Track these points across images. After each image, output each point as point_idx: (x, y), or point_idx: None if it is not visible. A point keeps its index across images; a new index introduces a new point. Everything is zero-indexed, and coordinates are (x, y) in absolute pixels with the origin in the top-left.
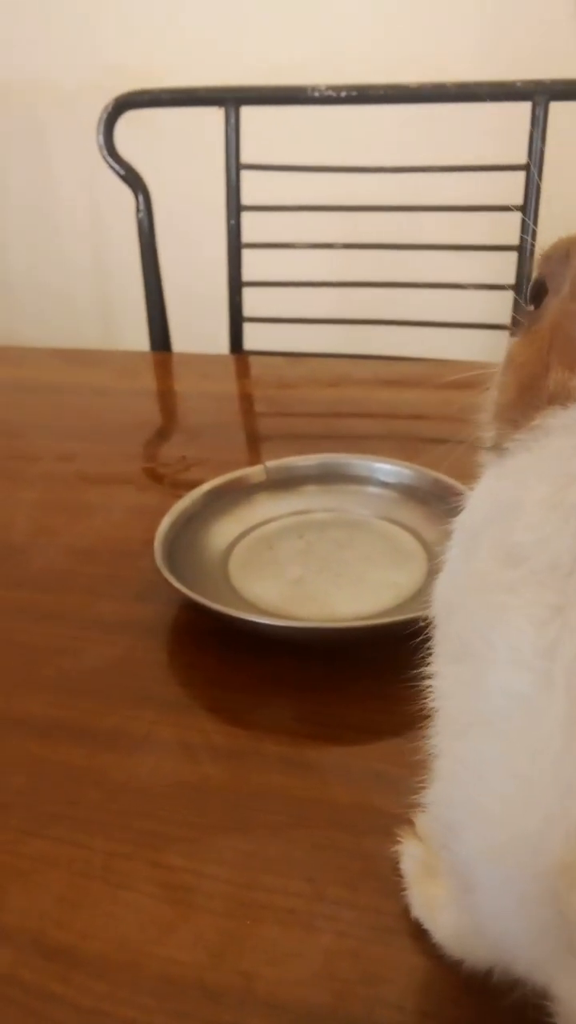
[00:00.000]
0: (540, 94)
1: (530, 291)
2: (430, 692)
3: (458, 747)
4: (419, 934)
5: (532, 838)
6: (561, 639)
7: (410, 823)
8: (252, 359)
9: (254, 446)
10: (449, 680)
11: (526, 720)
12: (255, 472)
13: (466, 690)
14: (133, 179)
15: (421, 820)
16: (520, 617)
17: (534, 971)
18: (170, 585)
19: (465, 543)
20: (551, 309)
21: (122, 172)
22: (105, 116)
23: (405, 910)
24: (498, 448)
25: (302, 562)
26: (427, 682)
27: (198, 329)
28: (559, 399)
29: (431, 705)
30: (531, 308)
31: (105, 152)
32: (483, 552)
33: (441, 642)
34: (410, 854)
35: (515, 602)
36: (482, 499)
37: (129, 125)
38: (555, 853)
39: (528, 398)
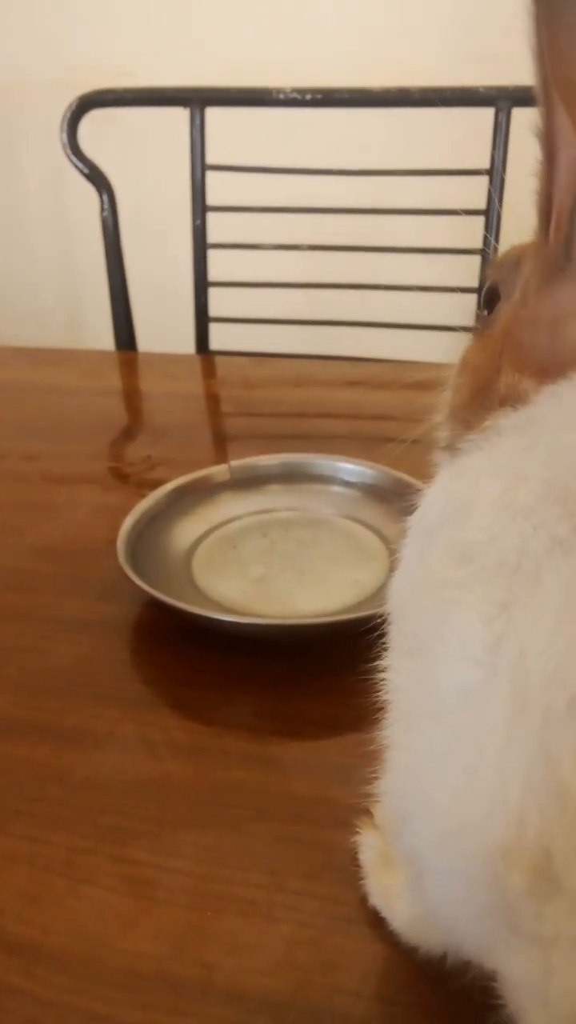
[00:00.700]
0: (503, 100)
1: (483, 297)
2: (384, 685)
3: (409, 739)
4: (377, 922)
5: (477, 826)
6: (506, 634)
7: (369, 814)
8: (218, 359)
9: (220, 446)
10: (402, 674)
11: (473, 713)
12: (219, 471)
13: (417, 683)
14: (97, 178)
15: (378, 809)
16: (469, 613)
17: (481, 953)
18: (133, 584)
19: (419, 541)
20: (503, 314)
21: (86, 171)
22: (69, 115)
23: (363, 899)
24: (452, 448)
25: (265, 561)
26: (381, 676)
27: (164, 329)
28: (510, 401)
29: (384, 698)
30: (484, 313)
31: (69, 151)
32: (436, 550)
33: (395, 637)
34: (368, 844)
35: (465, 598)
36: (436, 498)
37: (94, 124)
38: (497, 838)
39: (481, 400)
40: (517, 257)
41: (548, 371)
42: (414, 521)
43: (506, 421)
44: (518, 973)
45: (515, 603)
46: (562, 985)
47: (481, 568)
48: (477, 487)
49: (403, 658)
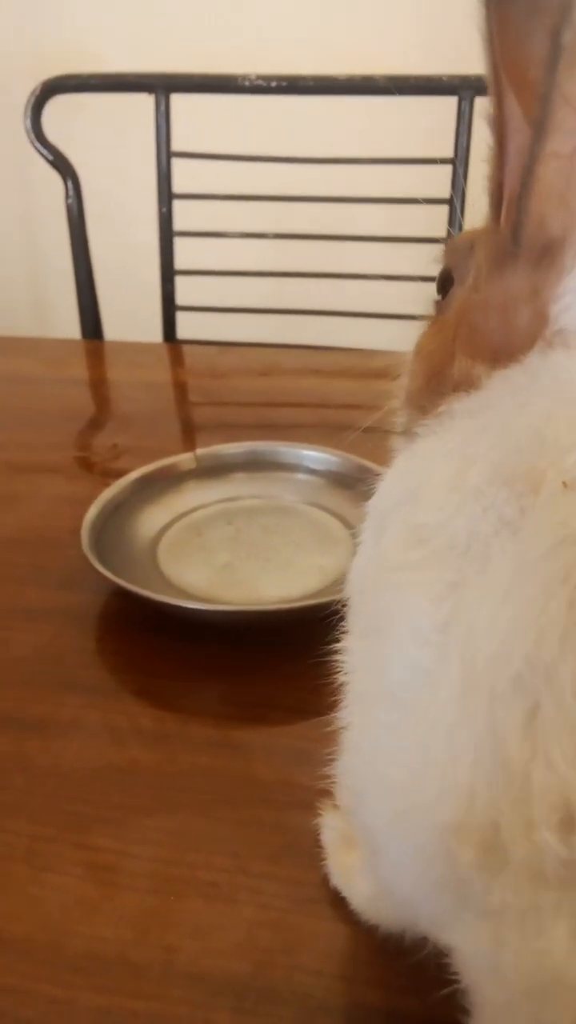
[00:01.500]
0: (466, 89)
1: (437, 282)
2: (341, 666)
3: (364, 719)
4: (338, 902)
5: (430, 803)
6: (455, 614)
7: (330, 795)
8: (184, 348)
9: (187, 434)
10: (357, 655)
11: (425, 692)
12: (185, 460)
13: (372, 664)
14: (62, 164)
15: (339, 791)
16: (419, 594)
17: (435, 929)
18: (98, 573)
19: (376, 525)
20: (456, 299)
21: (51, 157)
22: (33, 100)
23: (325, 880)
24: (408, 433)
25: (231, 548)
26: (338, 657)
27: (130, 318)
28: (463, 386)
29: (341, 679)
30: (439, 298)
31: (33, 136)
32: (391, 533)
33: (352, 619)
34: (329, 825)
35: (417, 580)
36: (391, 482)
37: (58, 110)
38: (448, 814)
39: (435, 385)
40: (470, 242)
41: (499, 356)
42: (371, 505)
43: (459, 405)
44: (470, 946)
45: (464, 584)
46: (512, 956)
47: (432, 550)
48: (430, 471)
49: (358, 639)
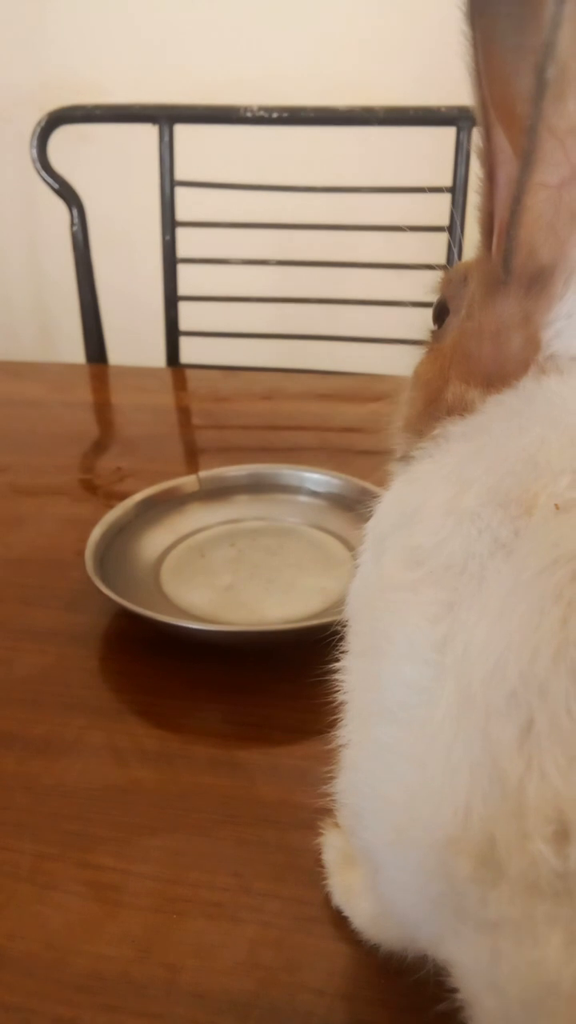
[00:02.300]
0: (464, 120)
1: (434, 312)
2: (339, 685)
3: (362, 737)
4: (340, 922)
5: (427, 818)
6: (452, 633)
7: (332, 814)
8: (188, 372)
9: (190, 458)
10: (356, 674)
11: (422, 710)
12: (188, 482)
13: (370, 683)
14: (68, 193)
15: (339, 809)
16: (416, 614)
17: (434, 944)
18: (102, 594)
19: (374, 547)
20: (452, 328)
21: (56, 186)
22: (39, 131)
23: (327, 899)
24: (406, 457)
25: (233, 569)
26: (337, 677)
27: (134, 342)
28: (458, 410)
29: (340, 698)
30: (435, 328)
31: (39, 166)
32: (389, 555)
33: (351, 639)
34: (331, 845)
35: (414, 600)
36: (389, 505)
37: (64, 140)
38: (446, 829)
39: (432, 410)
40: (464, 273)
41: (493, 381)
42: (369, 528)
43: (454, 429)
44: (468, 960)
45: (460, 603)
46: (509, 968)
47: (429, 571)
48: (427, 494)
49: (356, 659)
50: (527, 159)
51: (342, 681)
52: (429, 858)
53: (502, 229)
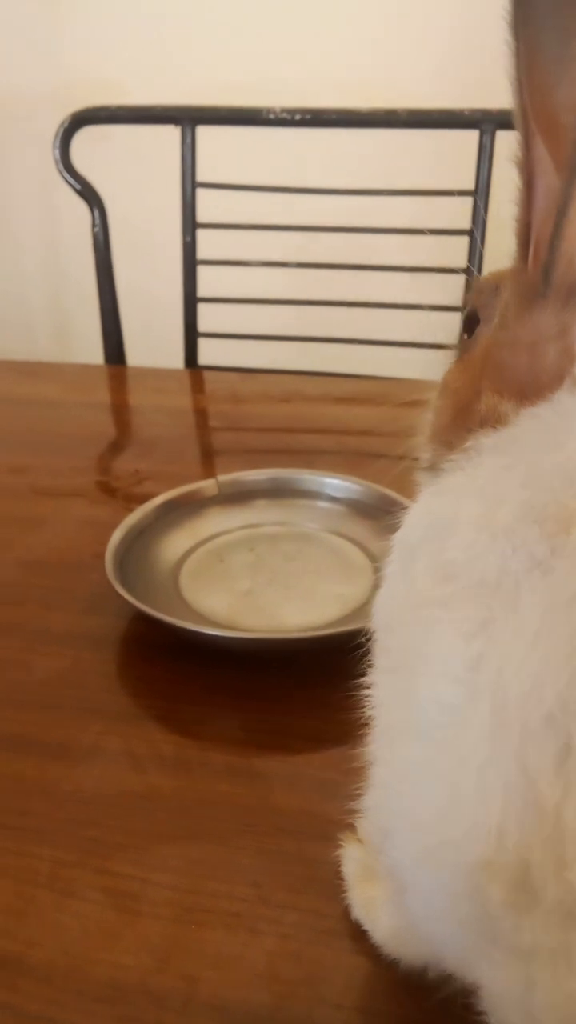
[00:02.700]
0: (487, 123)
1: (464, 321)
2: (368, 701)
3: (392, 755)
4: (359, 935)
5: (459, 840)
6: (486, 652)
7: (352, 827)
8: (206, 374)
9: (207, 460)
10: (385, 690)
11: (455, 730)
12: (207, 486)
13: (400, 700)
14: (89, 194)
15: (362, 824)
16: (450, 631)
17: (463, 966)
18: (121, 597)
19: (403, 559)
20: (483, 338)
21: (78, 187)
22: (62, 131)
23: (346, 912)
24: (434, 468)
25: (252, 575)
26: (365, 691)
27: (153, 344)
28: (490, 422)
29: (368, 714)
30: (465, 337)
31: (61, 167)
32: (419, 568)
33: (379, 654)
34: (351, 857)
35: (446, 617)
36: (419, 517)
37: (86, 140)
38: (478, 852)
39: (462, 421)
40: (496, 282)
41: (527, 393)
42: (398, 539)
43: (486, 441)
44: (500, 985)
45: (495, 621)
46: (544, 996)
47: (462, 587)
48: (458, 507)
49: (386, 675)
50: (571, 170)
51: (370, 697)
52: (460, 880)
53: (541, 240)
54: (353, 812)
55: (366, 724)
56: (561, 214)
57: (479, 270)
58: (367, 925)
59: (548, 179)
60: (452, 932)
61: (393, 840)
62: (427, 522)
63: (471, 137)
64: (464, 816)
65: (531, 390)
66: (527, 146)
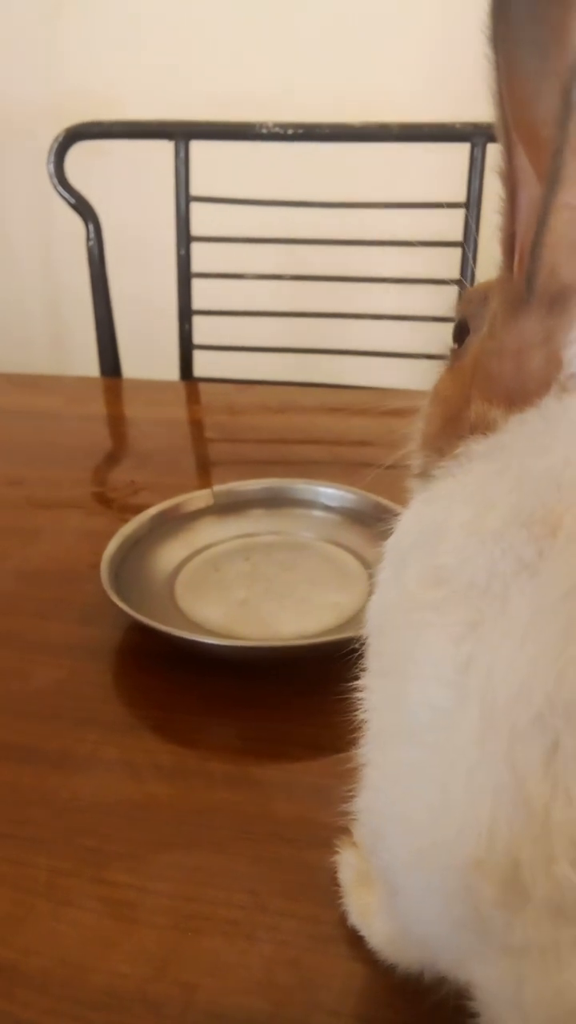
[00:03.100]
0: (478, 136)
1: (454, 331)
2: (360, 705)
3: (384, 757)
4: (356, 941)
5: (450, 841)
6: (476, 655)
7: (348, 833)
8: (202, 386)
9: (203, 471)
10: (377, 693)
11: (445, 732)
12: (202, 496)
13: (391, 703)
14: (84, 208)
15: (357, 828)
16: (440, 634)
17: (456, 967)
18: (117, 607)
19: (395, 565)
20: (472, 347)
21: (73, 201)
22: (56, 146)
23: (343, 918)
24: (425, 475)
25: (247, 584)
26: (358, 695)
27: (149, 356)
28: (480, 429)
29: (361, 717)
30: (455, 346)
31: (56, 181)
32: (410, 573)
33: (372, 658)
34: (347, 863)
35: (437, 620)
36: (410, 523)
37: (81, 155)
38: (469, 852)
39: (452, 428)
40: (484, 292)
41: (515, 400)
42: (389, 546)
43: (476, 448)
44: (493, 983)
45: (484, 624)
46: (535, 993)
47: (452, 591)
48: (449, 513)
49: (378, 678)
50: (552, 180)
51: (363, 700)
52: (452, 881)
53: (524, 249)
54: (349, 816)
55: (359, 728)
56: (542, 223)
57: (471, 281)
58: (363, 931)
59: (530, 189)
60: (445, 933)
61: (385, 842)
62: (418, 528)
63: (463, 150)
64: (454, 816)
65: (519, 397)
66: (509, 157)
